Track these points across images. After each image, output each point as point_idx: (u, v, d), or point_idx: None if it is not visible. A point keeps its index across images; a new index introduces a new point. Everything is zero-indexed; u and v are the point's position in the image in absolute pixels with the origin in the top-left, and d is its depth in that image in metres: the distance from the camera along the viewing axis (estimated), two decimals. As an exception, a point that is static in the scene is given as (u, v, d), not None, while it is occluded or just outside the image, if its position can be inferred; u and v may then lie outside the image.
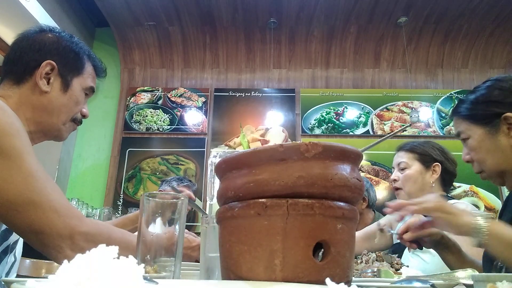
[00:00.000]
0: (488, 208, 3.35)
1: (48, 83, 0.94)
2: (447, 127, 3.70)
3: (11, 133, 0.75)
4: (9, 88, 0.93)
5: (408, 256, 1.48)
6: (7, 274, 0.96)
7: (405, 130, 3.64)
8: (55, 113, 0.95)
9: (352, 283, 0.46)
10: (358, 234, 1.58)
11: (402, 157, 1.60)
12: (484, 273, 0.58)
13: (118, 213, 3.37)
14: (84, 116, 1.04)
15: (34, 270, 1.62)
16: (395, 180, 1.60)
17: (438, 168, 1.55)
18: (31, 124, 0.94)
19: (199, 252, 1.03)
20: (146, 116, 3.80)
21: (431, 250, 1.41)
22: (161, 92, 3.90)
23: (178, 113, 3.81)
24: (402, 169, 1.58)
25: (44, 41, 0.96)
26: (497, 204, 3.35)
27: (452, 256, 1.09)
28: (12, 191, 0.71)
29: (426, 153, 1.57)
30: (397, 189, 1.60)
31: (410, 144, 1.63)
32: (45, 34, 0.99)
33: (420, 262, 1.43)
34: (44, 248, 0.74)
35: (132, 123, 3.78)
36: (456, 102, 1.17)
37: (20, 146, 0.75)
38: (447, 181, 1.58)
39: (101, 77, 1.08)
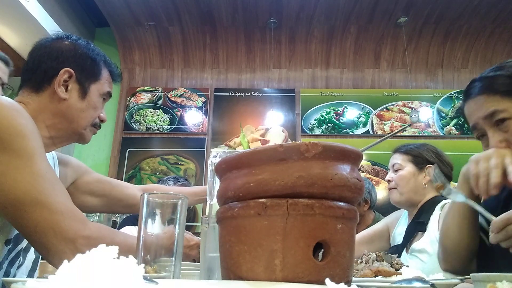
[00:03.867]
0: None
1: (66, 90, 0.95)
2: (447, 127, 3.70)
3: (24, 133, 0.76)
4: (28, 95, 0.94)
5: (406, 257, 1.49)
6: (32, 271, 0.99)
7: (405, 130, 3.64)
8: (75, 119, 0.97)
9: (352, 283, 0.46)
10: (356, 237, 1.59)
11: (397, 159, 1.64)
12: (484, 273, 0.58)
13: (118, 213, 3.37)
14: (102, 121, 1.05)
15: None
16: (389, 181, 1.64)
17: (431, 170, 1.58)
18: (52, 130, 0.95)
19: (197, 251, 1.03)
20: (146, 116, 3.81)
21: (428, 250, 1.42)
22: (161, 92, 3.90)
23: (178, 113, 3.81)
24: (396, 171, 1.62)
25: (61, 49, 0.97)
26: (497, 204, 3.35)
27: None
28: (21, 190, 0.72)
29: (420, 155, 1.61)
30: (391, 190, 1.63)
31: (405, 146, 1.67)
32: (62, 41, 1.00)
33: (418, 262, 1.43)
34: (47, 253, 0.74)
35: (132, 123, 3.78)
36: (477, 80, 0.95)
37: (31, 147, 0.76)
38: None
39: (116, 81, 1.09)
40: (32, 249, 0.99)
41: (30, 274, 0.99)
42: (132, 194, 1.25)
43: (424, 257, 1.42)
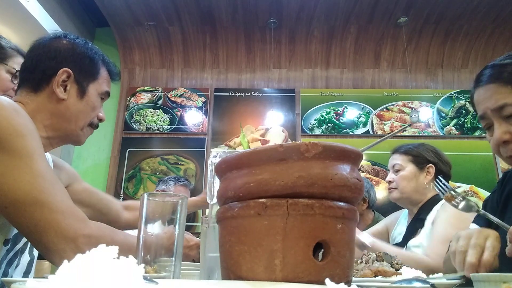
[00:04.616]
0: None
1: (65, 90, 0.95)
2: (447, 127, 3.70)
3: (24, 133, 0.76)
4: (26, 95, 0.94)
5: None
6: (26, 273, 0.98)
7: (405, 130, 3.64)
8: (73, 119, 0.97)
9: (352, 283, 0.46)
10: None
11: (397, 159, 1.64)
12: (484, 273, 0.58)
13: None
14: (100, 120, 1.05)
15: (34, 270, 1.62)
16: (390, 182, 1.63)
17: (432, 169, 1.59)
18: (49, 130, 0.95)
19: (197, 251, 1.04)
20: (146, 116, 3.80)
21: (425, 245, 1.42)
22: (161, 92, 3.90)
23: (178, 113, 3.81)
24: (397, 171, 1.62)
25: (59, 48, 0.97)
26: (497, 204, 3.35)
27: None
28: (21, 190, 0.72)
29: (420, 155, 1.61)
30: (392, 190, 1.63)
31: (404, 146, 1.67)
32: (60, 41, 0.99)
33: None
34: (48, 252, 0.74)
35: (132, 123, 3.78)
36: (489, 67, 0.91)
37: (31, 146, 0.76)
38: None
39: (115, 80, 1.09)
40: (27, 250, 0.98)
41: (25, 276, 0.98)
42: (115, 211, 1.24)
43: (420, 251, 1.43)
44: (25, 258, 0.98)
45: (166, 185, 2.42)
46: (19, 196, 0.72)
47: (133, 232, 1.28)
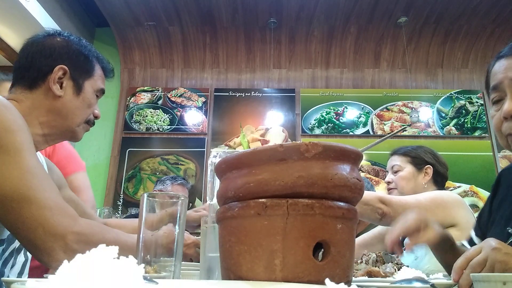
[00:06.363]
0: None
1: (61, 87, 0.95)
2: (447, 127, 3.70)
3: (13, 129, 0.75)
4: (21, 92, 0.94)
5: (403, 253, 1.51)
6: (20, 274, 0.97)
7: (405, 130, 3.64)
8: (69, 116, 0.97)
9: (352, 283, 0.46)
10: (357, 240, 1.61)
11: (396, 161, 1.68)
12: (484, 273, 0.57)
13: (118, 213, 3.37)
14: (96, 117, 1.05)
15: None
16: (389, 182, 1.66)
17: (430, 170, 1.63)
18: (45, 127, 0.95)
19: (194, 250, 1.04)
20: (146, 116, 3.80)
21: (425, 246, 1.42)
22: (161, 92, 3.89)
23: (178, 113, 3.81)
24: (395, 172, 1.66)
25: (54, 46, 0.97)
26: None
27: (453, 256, 0.97)
28: (9, 186, 0.71)
29: (418, 156, 1.65)
30: (391, 190, 1.66)
31: (403, 148, 1.71)
32: (54, 38, 0.99)
33: (412, 259, 1.44)
34: (36, 250, 0.72)
35: (132, 123, 3.77)
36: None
37: (20, 142, 0.75)
38: (439, 183, 1.65)
39: (109, 77, 1.09)
40: (22, 251, 0.98)
41: (18, 277, 0.96)
42: None
43: (419, 253, 1.43)
44: (21, 258, 0.97)
45: (164, 185, 2.42)
46: (6, 192, 0.70)
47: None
